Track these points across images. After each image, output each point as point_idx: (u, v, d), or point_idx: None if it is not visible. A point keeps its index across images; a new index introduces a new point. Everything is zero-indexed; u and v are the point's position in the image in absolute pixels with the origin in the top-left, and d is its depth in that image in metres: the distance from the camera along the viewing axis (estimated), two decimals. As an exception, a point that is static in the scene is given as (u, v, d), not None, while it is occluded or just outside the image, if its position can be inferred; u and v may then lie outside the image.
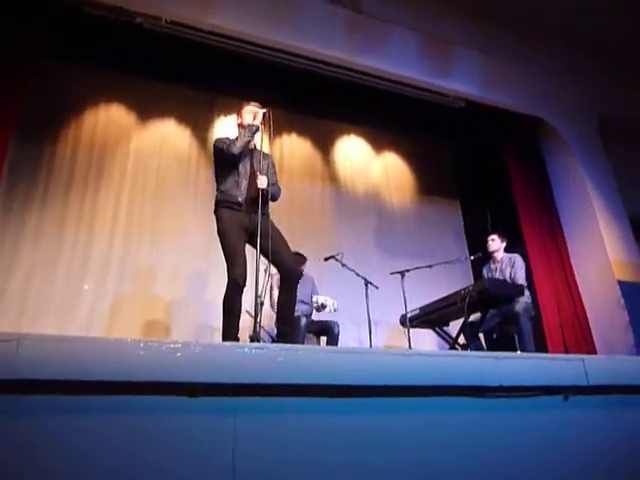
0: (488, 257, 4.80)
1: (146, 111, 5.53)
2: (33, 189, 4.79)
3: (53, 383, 1.48)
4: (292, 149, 6.16)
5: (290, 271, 3.13)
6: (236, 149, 3.14)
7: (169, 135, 5.60)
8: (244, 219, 3.11)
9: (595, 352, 5.05)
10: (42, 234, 4.69)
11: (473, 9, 5.63)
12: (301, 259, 4.68)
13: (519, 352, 4.08)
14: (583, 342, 5.18)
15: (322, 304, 4.51)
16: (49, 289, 4.53)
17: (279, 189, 3.40)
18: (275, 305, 3.55)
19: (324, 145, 6.41)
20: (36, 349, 1.51)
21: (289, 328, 3.15)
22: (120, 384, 1.54)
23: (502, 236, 4.78)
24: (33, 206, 4.73)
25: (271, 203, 3.31)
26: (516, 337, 4.41)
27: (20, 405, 1.47)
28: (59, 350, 1.54)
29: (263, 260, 3.05)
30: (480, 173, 6.76)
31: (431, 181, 6.87)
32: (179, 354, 1.64)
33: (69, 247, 4.75)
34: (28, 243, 4.61)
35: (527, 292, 4.36)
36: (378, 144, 6.75)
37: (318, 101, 5.87)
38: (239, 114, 3.36)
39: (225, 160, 3.20)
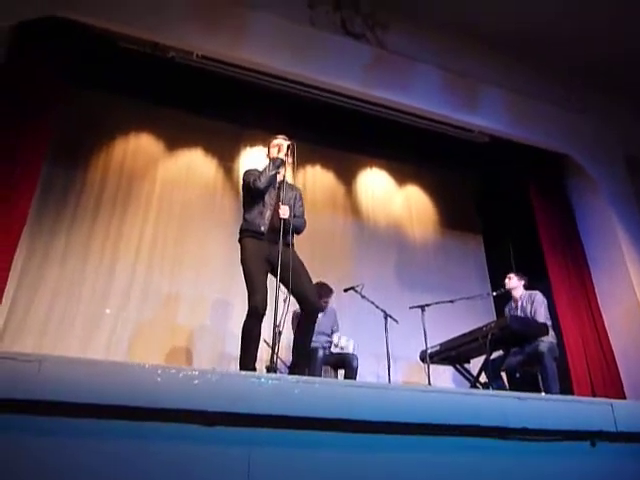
0: (510, 296, 4.71)
1: (174, 141, 5.68)
2: (62, 212, 4.93)
3: (72, 406, 1.49)
4: (315, 180, 6.23)
5: (311, 306, 3.13)
6: (261, 184, 3.22)
7: (196, 165, 5.72)
8: (266, 249, 3.14)
9: (624, 396, 4.85)
10: (68, 257, 4.79)
11: (499, 47, 5.71)
12: (327, 291, 4.64)
13: (543, 394, 3.95)
14: (611, 385, 4.99)
15: (342, 347, 4.47)
16: (72, 310, 4.60)
17: (304, 222, 3.44)
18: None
19: (347, 177, 6.46)
20: (57, 371, 1.53)
21: (304, 361, 3.13)
22: (137, 410, 1.54)
23: (521, 275, 4.71)
24: (61, 229, 4.86)
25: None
26: (540, 377, 4.28)
27: (39, 426, 1.48)
28: (79, 373, 1.55)
29: (283, 290, 3.06)
30: (504, 208, 6.70)
31: (454, 215, 6.83)
32: (196, 382, 1.64)
33: (93, 271, 4.84)
34: (55, 264, 4.71)
35: (552, 332, 4.25)
36: (400, 177, 6.77)
37: (342, 134, 5.97)
38: (268, 148, 3.46)
39: (252, 193, 3.28)
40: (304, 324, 3.15)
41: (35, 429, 1.47)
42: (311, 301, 3.12)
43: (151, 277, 5.02)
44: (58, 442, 1.48)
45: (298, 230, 3.38)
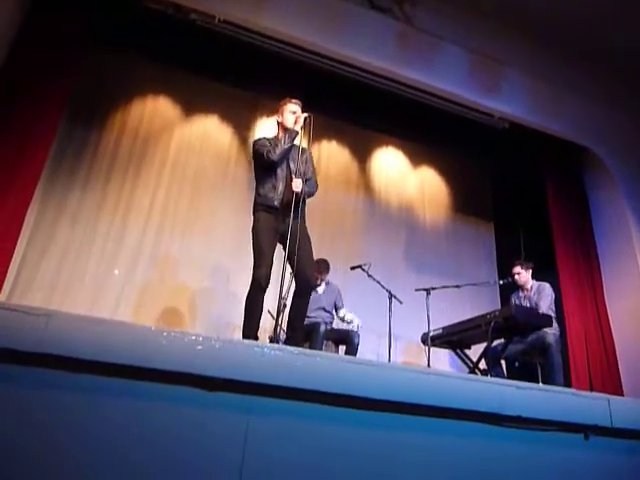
0: (518, 285, 4.69)
1: (191, 106, 5.64)
2: (76, 172, 4.95)
3: (76, 361, 1.52)
4: (330, 155, 6.18)
5: (305, 281, 3.10)
6: (275, 156, 3.15)
7: (211, 132, 5.70)
8: (278, 222, 3.13)
9: (622, 393, 4.87)
10: (80, 215, 4.83)
11: (527, 32, 5.55)
12: (324, 268, 4.64)
13: (541, 384, 3.96)
14: (609, 381, 5.00)
15: (347, 322, 4.49)
16: (82, 268, 4.67)
17: (316, 184, 3.39)
18: None
19: (362, 154, 6.40)
20: (64, 327, 1.56)
21: (298, 336, 3.13)
22: (140, 370, 1.57)
23: (525, 264, 4.65)
24: (75, 188, 4.88)
25: (307, 205, 3.32)
26: (539, 368, 4.29)
27: (42, 379, 1.51)
28: (86, 330, 1.58)
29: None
30: (518, 197, 6.63)
31: (467, 200, 6.77)
32: (199, 347, 1.66)
33: (104, 231, 4.88)
34: (66, 222, 4.76)
35: (555, 324, 4.24)
36: (416, 158, 6.70)
37: (360, 110, 5.88)
38: (280, 111, 3.33)
39: (264, 165, 3.22)
40: (296, 299, 3.13)
41: (38, 382, 1.51)
42: (305, 277, 3.09)
43: (160, 241, 5.06)
44: (59, 396, 1.51)
45: (310, 194, 3.33)
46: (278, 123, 3.35)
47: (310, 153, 3.45)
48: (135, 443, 1.53)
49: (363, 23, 4.94)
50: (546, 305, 4.31)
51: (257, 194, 3.24)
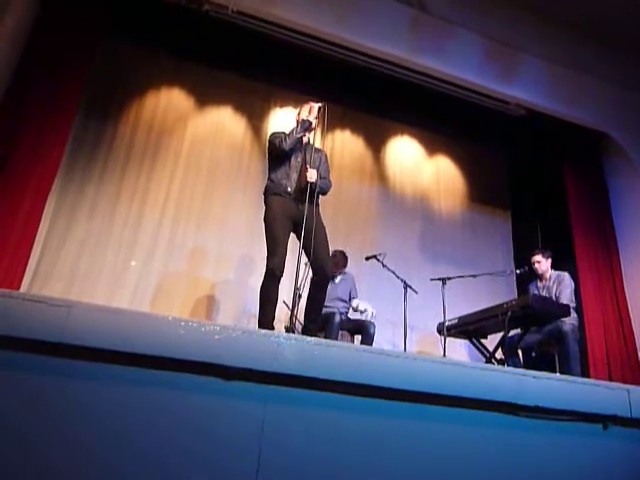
0: (536, 275, 4.63)
1: (205, 98, 5.65)
2: (93, 163, 4.99)
3: (96, 351, 1.55)
4: (344, 145, 6.15)
5: (323, 272, 3.10)
6: (286, 146, 3.18)
7: (225, 123, 5.70)
8: (292, 207, 3.13)
9: (641, 383, 4.81)
10: (97, 207, 4.89)
11: (543, 17, 5.42)
12: (343, 258, 4.63)
13: (558, 374, 3.93)
14: (629, 371, 4.94)
15: (361, 311, 4.48)
16: (99, 260, 4.73)
17: (330, 183, 3.42)
18: None
19: (376, 143, 6.35)
20: (85, 317, 1.59)
21: (315, 327, 3.14)
22: (159, 359, 1.59)
23: (546, 253, 4.58)
24: (91, 180, 4.94)
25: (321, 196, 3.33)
26: (557, 358, 4.25)
27: (62, 369, 1.54)
28: (106, 320, 1.60)
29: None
30: (535, 184, 6.54)
31: (483, 189, 6.69)
32: (217, 337, 1.68)
33: (121, 222, 4.93)
34: (84, 214, 4.82)
35: (574, 313, 4.19)
36: (431, 146, 6.63)
37: (374, 98, 5.84)
38: (299, 112, 3.41)
39: (277, 154, 3.24)
40: (314, 291, 3.14)
41: (58, 371, 1.53)
42: (324, 269, 3.10)
43: (176, 232, 5.10)
44: (77, 385, 1.54)
45: (324, 191, 3.35)
46: (297, 122, 3.38)
47: (326, 155, 3.49)
48: (152, 432, 1.55)
49: (376, 10, 4.88)
50: (567, 296, 4.26)
51: (269, 180, 3.26)
